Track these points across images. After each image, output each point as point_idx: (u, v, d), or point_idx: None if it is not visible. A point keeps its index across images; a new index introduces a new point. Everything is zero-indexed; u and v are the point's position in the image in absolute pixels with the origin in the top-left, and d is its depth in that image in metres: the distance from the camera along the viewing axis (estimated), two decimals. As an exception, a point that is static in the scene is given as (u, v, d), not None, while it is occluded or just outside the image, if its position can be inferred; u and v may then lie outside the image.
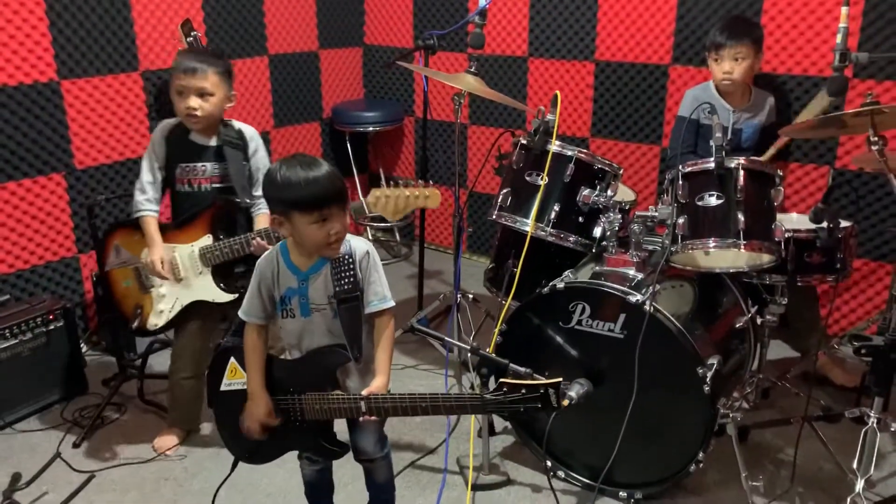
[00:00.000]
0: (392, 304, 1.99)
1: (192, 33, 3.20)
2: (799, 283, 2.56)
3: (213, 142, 2.70)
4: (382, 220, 4.62)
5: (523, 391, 1.84)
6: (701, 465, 2.28)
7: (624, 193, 2.96)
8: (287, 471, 2.45)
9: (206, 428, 2.85)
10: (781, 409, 2.91)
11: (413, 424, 2.89)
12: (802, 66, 3.25)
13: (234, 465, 2.17)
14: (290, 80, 4.27)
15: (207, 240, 2.65)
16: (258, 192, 2.69)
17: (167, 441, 2.79)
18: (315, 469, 2.20)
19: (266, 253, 2.01)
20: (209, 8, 3.71)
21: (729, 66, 2.98)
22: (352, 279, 1.93)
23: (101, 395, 3.04)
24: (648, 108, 3.70)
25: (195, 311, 2.70)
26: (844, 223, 2.51)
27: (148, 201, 2.69)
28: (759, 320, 2.60)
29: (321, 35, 4.38)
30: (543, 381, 1.83)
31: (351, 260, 1.94)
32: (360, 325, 1.97)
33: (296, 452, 2.18)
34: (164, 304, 2.70)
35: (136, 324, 2.73)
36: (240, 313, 2.03)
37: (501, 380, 1.85)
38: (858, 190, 3.23)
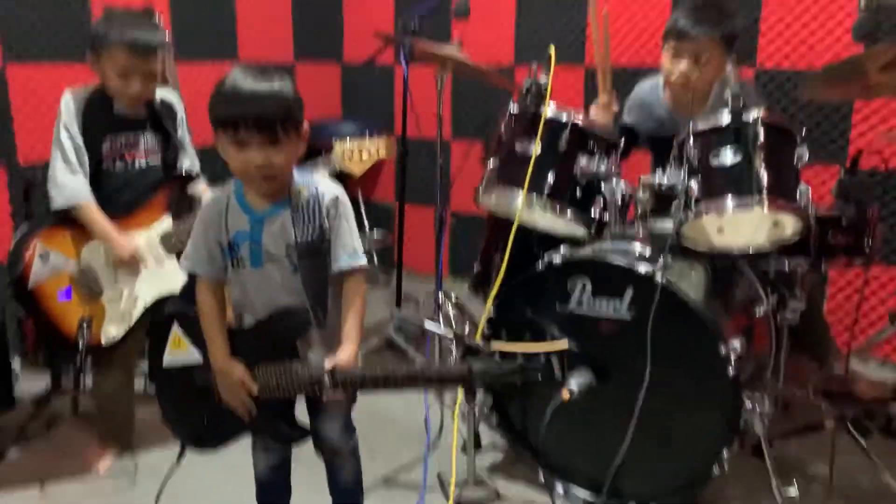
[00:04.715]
0: (364, 261, 1.69)
1: (152, 20, 2.96)
2: (822, 270, 2.27)
3: (143, 111, 2.35)
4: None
5: (520, 359, 1.53)
6: (725, 466, 1.93)
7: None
8: (235, 485, 2.06)
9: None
10: (805, 424, 2.58)
11: (391, 437, 2.53)
12: (790, 59, 3.07)
13: (181, 454, 1.84)
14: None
15: (167, 221, 2.33)
16: (189, 162, 2.46)
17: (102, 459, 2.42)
18: (270, 466, 1.84)
19: (214, 190, 1.70)
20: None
21: (687, 65, 2.32)
22: (317, 228, 1.63)
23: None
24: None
25: (160, 311, 2.25)
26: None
27: (84, 185, 2.22)
28: (777, 318, 2.30)
29: (297, 46, 4.17)
30: (545, 345, 1.52)
31: (317, 205, 1.64)
32: (325, 284, 1.65)
33: (249, 460, 1.85)
34: (123, 305, 2.27)
35: (82, 342, 2.18)
36: (181, 266, 1.70)
37: (494, 342, 1.53)
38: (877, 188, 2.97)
